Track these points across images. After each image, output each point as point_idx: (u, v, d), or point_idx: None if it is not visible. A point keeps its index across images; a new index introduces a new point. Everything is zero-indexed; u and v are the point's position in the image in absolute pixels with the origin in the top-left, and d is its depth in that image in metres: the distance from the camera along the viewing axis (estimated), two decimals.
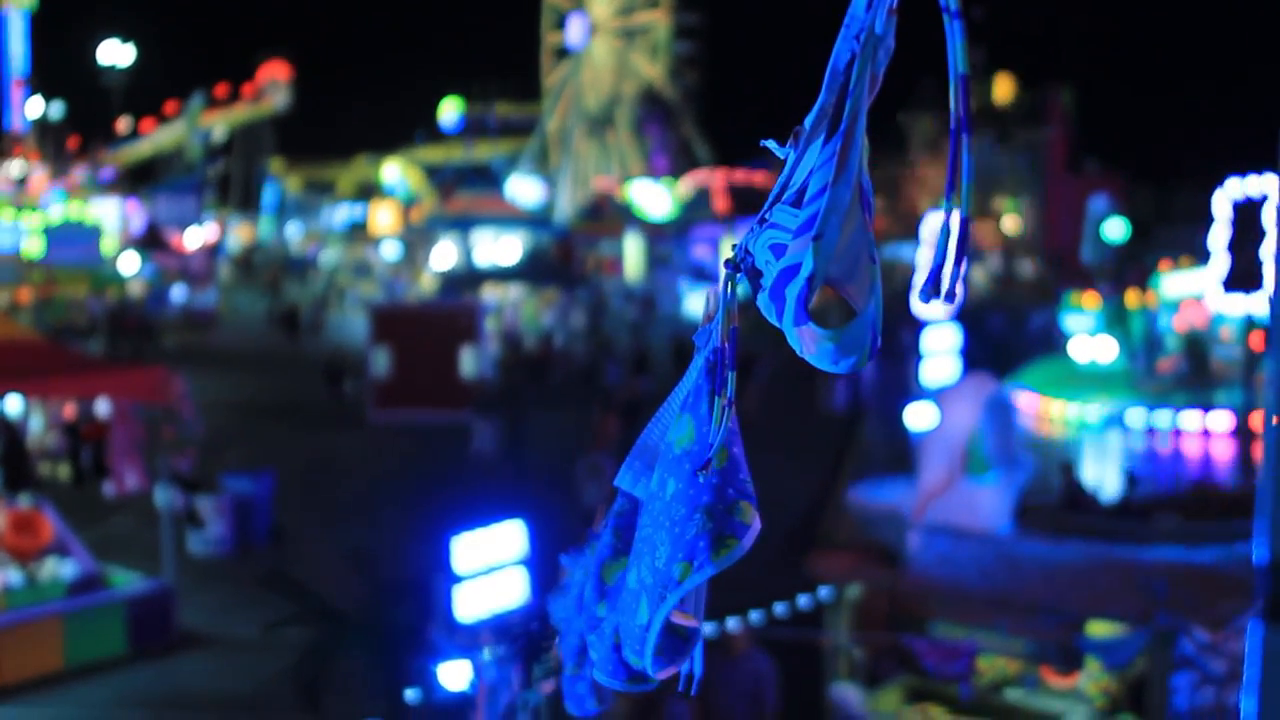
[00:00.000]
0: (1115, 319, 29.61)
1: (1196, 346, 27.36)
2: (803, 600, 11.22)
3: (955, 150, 1.50)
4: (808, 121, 1.74)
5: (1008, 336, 35.53)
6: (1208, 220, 25.33)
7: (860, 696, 10.50)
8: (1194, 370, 26.80)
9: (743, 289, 1.88)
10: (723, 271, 1.85)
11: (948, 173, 1.51)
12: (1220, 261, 24.33)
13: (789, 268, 1.66)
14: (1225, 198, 24.28)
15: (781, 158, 1.78)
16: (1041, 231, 56.51)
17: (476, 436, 23.84)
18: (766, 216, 1.77)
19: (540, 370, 33.83)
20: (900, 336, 28.35)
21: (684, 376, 2.16)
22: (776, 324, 1.70)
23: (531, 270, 45.80)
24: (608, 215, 62.09)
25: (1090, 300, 33.32)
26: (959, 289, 1.52)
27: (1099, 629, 9.66)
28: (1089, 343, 29.87)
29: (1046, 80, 54.17)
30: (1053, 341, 33.98)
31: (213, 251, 57.01)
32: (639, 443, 2.29)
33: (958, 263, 1.51)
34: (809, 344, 1.67)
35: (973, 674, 9.53)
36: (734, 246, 1.82)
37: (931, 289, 1.52)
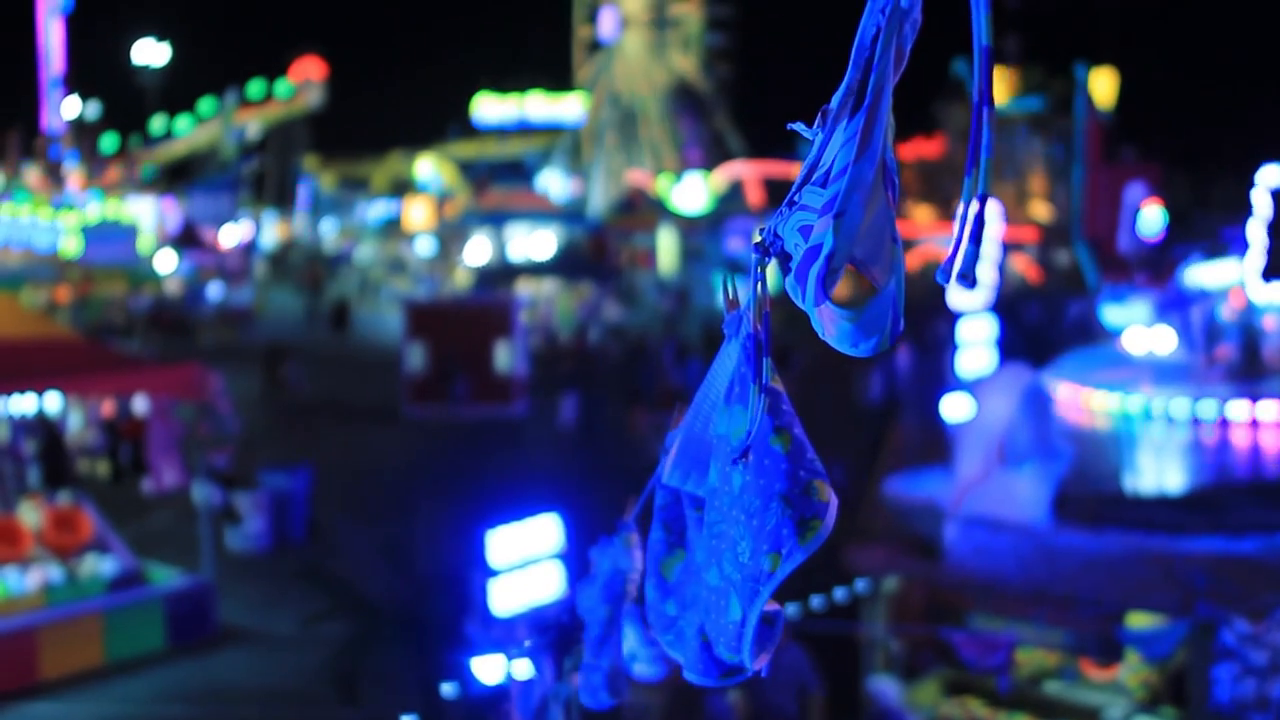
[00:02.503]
0: (1172, 307, 29.17)
1: (1248, 336, 26.98)
2: (839, 593, 11.18)
3: (976, 124, 1.47)
4: (835, 101, 1.71)
5: (1044, 326, 35.28)
6: (1246, 208, 25.07)
7: (898, 689, 10.45)
8: (1247, 360, 26.41)
9: (776, 279, 1.85)
10: (753, 256, 1.82)
11: (969, 149, 1.48)
12: (1259, 250, 24.09)
13: (812, 248, 1.63)
14: (1264, 185, 24.03)
15: (810, 139, 1.76)
16: (1078, 220, 56.14)
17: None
18: (795, 198, 1.74)
19: (577, 364, 33.87)
20: (936, 327, 28.23)
21: (713, 365, 2.13)
22: (801, 306, 1.67)
23: (566, 264, 45.84)
24: (641, 209, 62.02)
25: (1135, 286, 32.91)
26: (982, 271, 1.49)
27: (1139, 620, 9.58)
28: (1145, 333, 29.29)
29: (1082, 67, 53.64)
30: (1091, 331, 33.70)
31: (248, 249, 57.29)
32: (683, 437, 2.27)
33: (975, 242, 1.47)
34: (828, 325, 1.64)
35: (1011, 666, 9.46)
36: (762, 230, 1.79)
37: (952, 270, 1.49)
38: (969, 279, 1.47)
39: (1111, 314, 32.24)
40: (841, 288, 1.61)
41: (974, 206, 1.48)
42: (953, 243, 1.50)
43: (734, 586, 1.96)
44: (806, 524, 1.85)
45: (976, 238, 1.47)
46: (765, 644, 2.00)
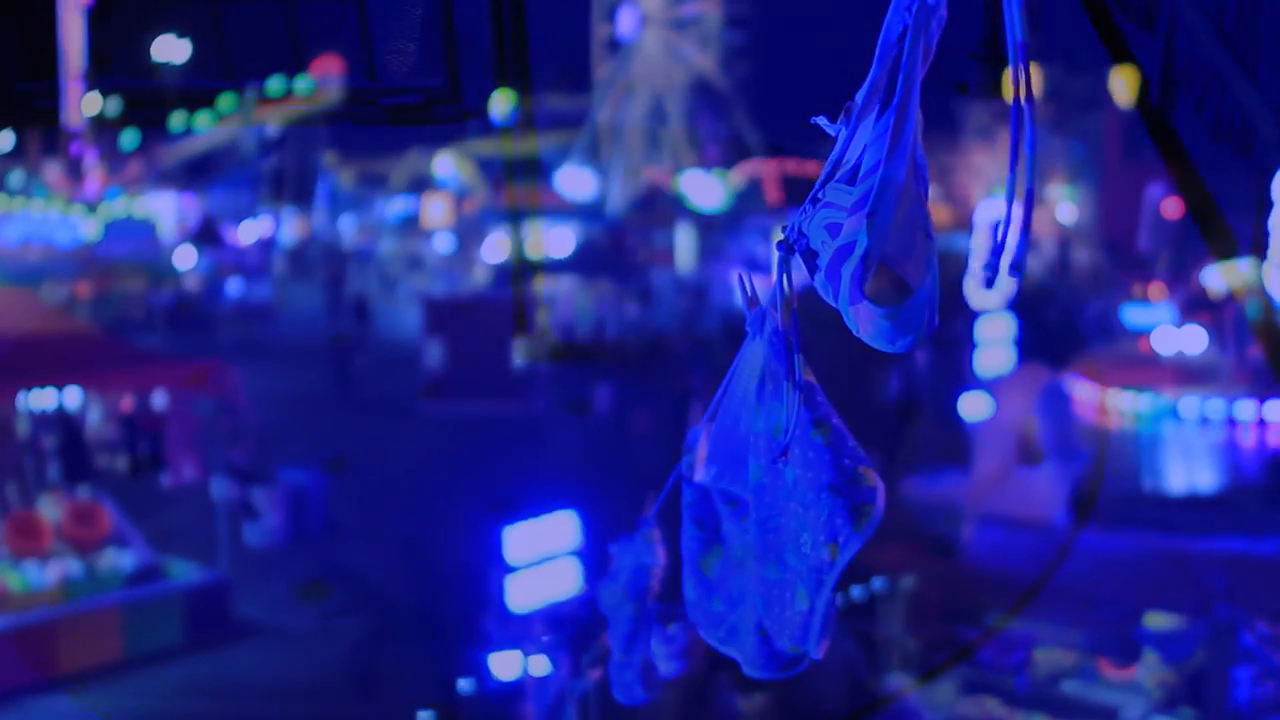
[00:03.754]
0: (1200, 306, 28.93)
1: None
2: (856, 591, 11.16)
3: (1018, 118, 1.46)
4: (859, 97, 1.70)
5: (1064, 326, 35.12)
6: (1267, 207, 24.84)
7: (915, 688, 10.43)
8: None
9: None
10: (775, 254, 1.82)
11: (1010, 145, 1.47)
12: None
13: (844, 246, 1.63)
14: None
15: (833, 135, 1.75)
16: (1098, 219, 55.86)
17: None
18: (820, 195, 1.74)
19: (606, 356, 33.82)
20: (954, 326, 28.11)
21: (735, 363, 2.12)
22: (833, 304, 1.66)
23: (584, 262, 45.77)
24: (659, 207, 61.92)
25: (1156, 292, 32.75)
26: (1024, 265, 1.48)
27: (1157, 621, 9.54)
28: (1174, 333, 29.02)
29: (1103, 64, 53.43)
30: (1111, 331, 33.53)
31: (268, 245, 57.37)
32: (713, 435, 2.26)
33: (1024, 237, 1.47)
34: (865, 323, 1.63)
35: (1029, 666, 9.44)
36: (784, 228, 1.79)
37: (995, 267, 1.49)
38: (1018, 272, 1.47)
39: (1134, 314, 32.06)
40: (869, 284, 1.61)
41: (1019, 202, 1.47)
42: (998, 237, 1.50)
43: (800, 577, 1.98)
44: (859, 510, 1.87)
45: (1024, 232, 1.47)
46: (828, 631, 2.02)
